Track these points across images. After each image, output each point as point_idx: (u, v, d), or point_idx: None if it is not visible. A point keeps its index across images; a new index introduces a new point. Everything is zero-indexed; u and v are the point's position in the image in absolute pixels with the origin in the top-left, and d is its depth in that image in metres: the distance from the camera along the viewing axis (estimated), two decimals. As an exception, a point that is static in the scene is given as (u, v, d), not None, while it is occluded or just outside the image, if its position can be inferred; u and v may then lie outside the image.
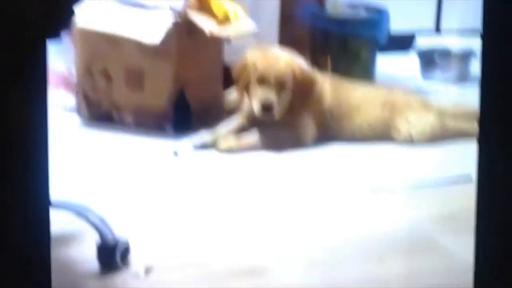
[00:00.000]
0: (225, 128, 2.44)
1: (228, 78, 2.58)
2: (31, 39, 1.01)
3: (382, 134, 2.50)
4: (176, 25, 2.39)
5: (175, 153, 2.32)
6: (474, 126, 2.53)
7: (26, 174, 1.02)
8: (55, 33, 1.08)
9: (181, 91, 2.49)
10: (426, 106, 2.57)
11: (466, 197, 2.01)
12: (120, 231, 1.64)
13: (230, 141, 2.39)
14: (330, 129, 2.49)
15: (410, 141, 2.47)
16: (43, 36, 1.03)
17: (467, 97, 2.95)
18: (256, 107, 2.37)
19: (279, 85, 2.38)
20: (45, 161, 1.04)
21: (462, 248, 1.66)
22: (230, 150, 2.37)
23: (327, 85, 2.51)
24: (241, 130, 2.44)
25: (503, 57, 1.02)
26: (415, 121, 2.49)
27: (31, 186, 1.03)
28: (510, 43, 1.01)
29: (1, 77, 1.00)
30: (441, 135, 2.50)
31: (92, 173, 2.15)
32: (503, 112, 1.04)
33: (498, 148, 1.06)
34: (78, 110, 2.58)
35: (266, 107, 2.36)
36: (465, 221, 1.85)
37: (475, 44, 3.26)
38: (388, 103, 2.52)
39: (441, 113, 2.55)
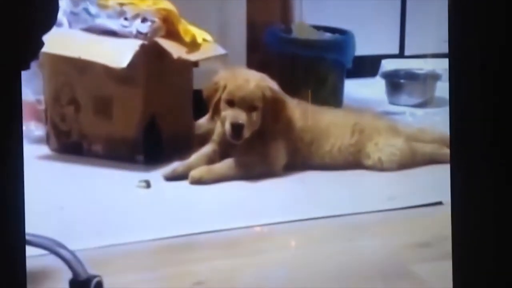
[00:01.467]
0: (197, 158, 2.41)
1: (199, 104, 2.56)
2: (3, 72, 1.03)
3: (352, 159, 2.49)
4: (143, 49, 2.37)
5: (147, 184, 2.29)
6: (442, 152, 2.61)
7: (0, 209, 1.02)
8: (26, 65, 1.09)
9: (152, 119, 2.47)
10: (394, 130, 2.58)
11: (438, 224, 2.08)
12: (92, 266, 1.62)
13: (201, 172, 2.36)
14: (301, 155, 2.48)
15: (380, 166, 2.47)
16: (16, 68, 1.05)
17: (433, 120, 3.03)
18: (227, 128, 2.36)
19: (249, 106, 2.37)
20: (21, 197, 1.05)
21: (436, 275, 1.69)
22: (201, 181, 2.34)
23: (297, 109, 2.51)
24: (214, 158, 2.42)
25: (470, 81, 1.06)
26: (384, 146, 2.50)
27: (5, 223, 1.03)
28: (477, 67, 1.05)
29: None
30: (410, 160, 2.51)
31: (63, 206, 2.09)
32: (472, 136, 1.06)
33: (471, 172, 1.08)
34: (48, 141, 2.55)
35: (237, 128, 2.35)
36: (437, 248, 1.89)
37: (439, 67, 3.38)
38: (357, 128, 2.52)
39: (409, 138, 2.57)
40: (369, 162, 2.48)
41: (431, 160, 2.49)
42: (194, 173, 2.34)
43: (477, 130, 1.07)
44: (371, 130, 2.53)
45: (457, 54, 1.11)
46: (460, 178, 1.12)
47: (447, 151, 2.49)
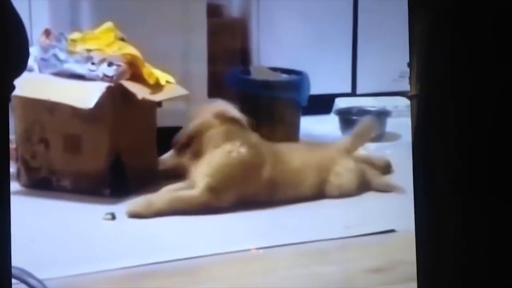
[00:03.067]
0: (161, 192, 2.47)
1: (162, 142, 2.66)
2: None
3: (318, 192, 2.59)
4: (109, 90, 2.48)
5: (112, 216, 2.38)
6: (380, 181, 2.68)
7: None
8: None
9: (117, 155, 2.57)
10: (346, 153, 2.70)
11: (391, 249, 2.15)
12: None
13: (139, 205, 2.41)
14: (264, 195, 2.52)
15: (342, 191, 2.59)
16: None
17: (385, 153, 3.13)
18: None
19: None
20: (8, 232, 1.13)
21: None
22: (139, 215, 2.38)
23: (267, 152, 2.58)
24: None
25: (430, 115, 1.08)
26: (342, 171, 2.62)
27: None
28: (437, 99, 1.08)
29: None
30: (363, 182, 2.64)
31: (34, 238, 2.16)
32: (431, 166, 1.09)
33: (432, 200, 1.10)
34: (18, 177, 2.61)
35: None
36: (391, 272, 1.99)
37: (389, 105, 3.49)
38: (322, 165, 2.62)
39: (360, 160, 2.73)
40: (333, 191, 2.59)
41: (373, 188, 2.65)
42: (130, 207, 2.40)
43: (440, 156, 1.09)
44: (330, 161, 2.65)
45: (417, 90, 1.12)
46: (424, 204, 1.13)
47: (384, 181, 2.67)
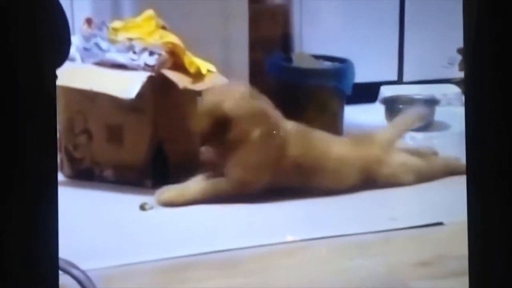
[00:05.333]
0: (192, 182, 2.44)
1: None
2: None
3: (360, 183, 2.49)
4: (151, 80, 2.47)
5: (142, 207, 2.36)
6: (459, 163, 2.55)
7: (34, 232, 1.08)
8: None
9: (159, 145, 2.56)
10: (390, 143, 2.61)
11: (439, 243, 2.11)
12: (102, 285, 1.71)
13: (171, 193, 2.39)
14: (294, 181, 2.45)
15: (395, 180, 2.50)
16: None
17: (433, 143, 3.07)
18: None
19: None
20: (55, 221, 1.12)
21: None
22: (171, 203, 2.37)
23: (294, 134, 2.49)
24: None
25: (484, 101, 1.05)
26: (394, 162, 2.54)
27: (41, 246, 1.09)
28: (493, 77, 1.04)
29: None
30: (426, 172, 2.56)
31: (76, 230, 2.15)
32: (487, 154, 1.06)
33: (489, 190, 1.07)
34: (61, 168, 2.61)
35: None
36: (438, 266, 1.95)
37: (437, 93, 3.42)
38: (364, 168, 2.52)
39: (407, 151, 2.64)
40: (383, 181, 2.49)
41: (447, 172, 2.56)
42: (163, 195, 2.38)
43: (493, 145, 1.07)
44: (375, 152, 2.55)
45: (472, 66, 1.07)
46: (477, 195, 1.11)
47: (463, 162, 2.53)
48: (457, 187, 2.42)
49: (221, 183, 2.42)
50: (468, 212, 1.12)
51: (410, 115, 2.82)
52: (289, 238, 2.13)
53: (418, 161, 2.60)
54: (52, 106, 1.11)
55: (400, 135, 2.73)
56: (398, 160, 2.57)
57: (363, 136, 2.69)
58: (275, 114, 2.50)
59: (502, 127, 1.06)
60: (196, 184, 2.43)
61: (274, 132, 2.45)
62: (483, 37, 1.06)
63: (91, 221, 2.27)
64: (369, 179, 2.51)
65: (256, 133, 2.42)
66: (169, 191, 2.40)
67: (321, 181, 2.47)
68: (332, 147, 2.53)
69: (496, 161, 1.07)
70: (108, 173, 2.59)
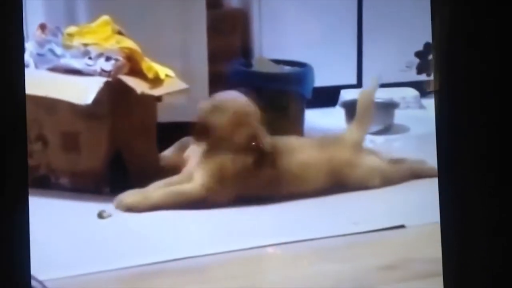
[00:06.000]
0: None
1: (163, 137, 2.63)
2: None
3: (328, 187, 2.49)
4: (107, 85, 2.44)
5: (100, 215, 2.33)
6: (426, 166, 2.58)
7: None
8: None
9: (117, 152, 2.53)
10: (357, 144, 2.64)
11: (402, 246, 2.11)
12: None
13: (135, 198, 2.37)
14: (263, 191, 2.46)
15: (362, 183, 2.51)
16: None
17: (393, 146, 3.09)
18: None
19: None
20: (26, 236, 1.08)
21: None
22: (135, 208, 2.35)
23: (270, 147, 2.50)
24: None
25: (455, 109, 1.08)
26: (362, 165, 2.55)
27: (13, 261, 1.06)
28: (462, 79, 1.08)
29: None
30: (391, 176, 2.57)
31: (33, 239, 2.05)
32: (457, 159, 1.08)
33: (458, 192, 1.09)
34: None
35: None
36: (404, 270, 1.94)
37: (396, 96, 3.45)
38: (333, 171, 2.53)
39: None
40: (351, 182, 2.50)
41: (412, 176, 2.57)
42: (125, 199, 2.36)
43: (464, 146, 1.11)
44: (343, 155, 2.57)
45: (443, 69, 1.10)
46: (449, 194, 1.15)
47: (431, 166, 2.50)
48: (419, 190, 2.47)
49: (186, 188, 2.40)
50: (441, 212, 1.13)
51: (368, 113, 2.80)
52: (255, 243, 2.11)
53: (386, 165, 2.61)
54: (22, 110, 1.08)
55: (365, 134, 2.72)
56: (367, 163, 2.57)
57: (330, 138, 2.70)
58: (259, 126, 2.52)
59: (475, 122, 1.06)
60: (159, 189, 2.40)
61: (253, 144, 2.47)
62: (453, 37, 1.07)
63: (48, 230, 2.22)
64: (338, 182, 2.52)
65: (239, 142, 2.44)
66: (133, 195, 2.37)
67: (288, 188, 2.47)
68: (298, 151, 2.54)
69: (467, 158, 1.07)
70: (64, 180, 2.55)
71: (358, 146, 2.64)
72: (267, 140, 2.50)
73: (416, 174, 2.58)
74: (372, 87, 2.92)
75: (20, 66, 1.07)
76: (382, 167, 2.59)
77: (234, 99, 2.54)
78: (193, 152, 2.53)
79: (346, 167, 2.55)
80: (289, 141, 2.60)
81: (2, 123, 1.04)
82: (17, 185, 1.07)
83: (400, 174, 2.60)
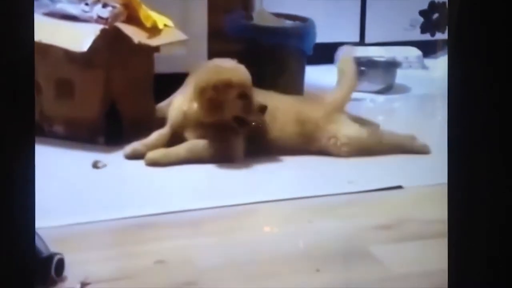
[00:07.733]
0: (156, 138, 2.40)
1: (159, 89, 2.59)
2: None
3: (304, 146, 2.47)
4: (104, 33, 2.38)
5: (94, 165, 2.30)
6: (415, 143, 2.53)
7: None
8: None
9: (112, 102, 2.48)
10: (338, 108, 2.55)
11: (398, 207, 2.09)
12: (53, 244, 1.61)
13: (158, 154, 2.35)
14: (256, 140, 2.45)
15: (335, 151, 2.46)
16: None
17: (393, 106, 3.05)
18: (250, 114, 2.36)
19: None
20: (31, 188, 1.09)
21: (393, 257, 1.71)
22: (157, 164, 2.33)
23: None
24: (171, 140, 2.41)
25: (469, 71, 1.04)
26: (338, 133, 2.48)
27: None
28: (476, 54, 1.04)
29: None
30: (373, 146, 2.50)
31: None
32: (470, 122, 1.05)
33: (466, 155, 1.07)
34: None
35: (264, 108, 2.37)
36: (398, 230, 1.91)
37: (399, 55, 3.40)
38: (300, 118, 2.49)
39: (367, 124, 2.57)
40: (321, 145, 2.45)
41: (401, 150, 2.50)
42: (151, 155, 2.34)
43: (475, 115, 1.07)
44: (319, 120, 2.49)
45: (456, 40, 1.08)
46: (457, 162, 1.10)
47: (421, 143, 2.50)
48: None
49: (204, 148, 2.37)
50: (449, 176, 1.11)
51: (349, 80, 2.69)
52: (251, 199, 2.08)
53: (365, 136, 2.51)
54: (30, 62, 1.09)
55: (345, 100, 2.63)
56: (340, 128, 2.49)
57: (310, 96, 2.64)
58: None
59: (485, 97, 1.05)
60: (182, 146, 2.37)
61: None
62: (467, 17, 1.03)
63: (41, 178, 2.15)
64: (306, 142, 2.47)
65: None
66: (157, 151, 2.34)
67: (274, 141, 2.45)
68: (278, 106, 2.50)
69: (479, 127, 1.07)
70: (58, 128, 2.51)
71: (335, 111, 2.55)
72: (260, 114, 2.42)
73: (405, 150, 2.51)
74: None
75: (29, 12, 1.03)
76: (360, 136, 2.50)
77: (235, 68, 2.42)
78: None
79: (313, 125, 2.49)
80: (269, 97, 2.50)
81: (11, 69, 1.01)
82: (24, 133, 1.04)
83: (384, 147, 2.51)
